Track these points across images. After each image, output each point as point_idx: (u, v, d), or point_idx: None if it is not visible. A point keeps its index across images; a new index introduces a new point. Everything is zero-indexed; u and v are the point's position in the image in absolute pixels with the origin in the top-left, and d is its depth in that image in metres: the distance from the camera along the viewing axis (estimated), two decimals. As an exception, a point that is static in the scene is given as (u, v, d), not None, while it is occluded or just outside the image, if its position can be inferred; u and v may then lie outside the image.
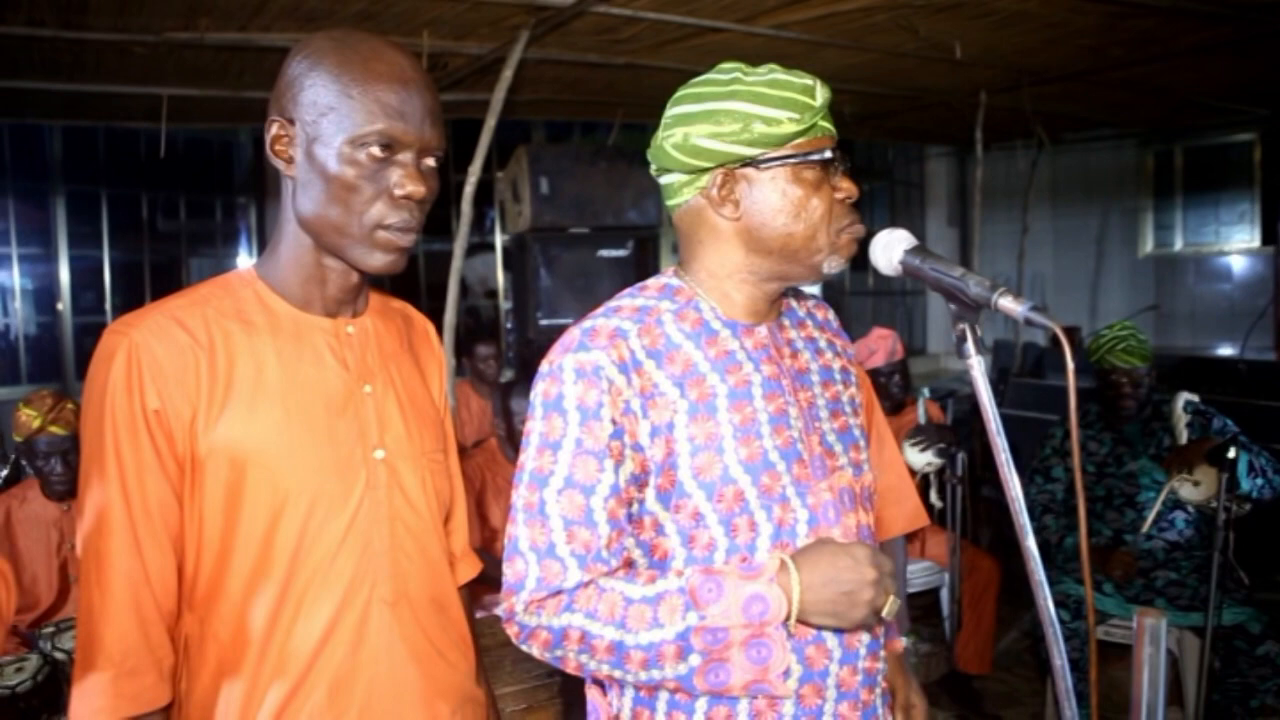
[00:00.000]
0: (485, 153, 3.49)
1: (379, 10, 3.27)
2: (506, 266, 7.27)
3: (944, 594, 3.38)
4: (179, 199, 7.28)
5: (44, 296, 6.95)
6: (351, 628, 1.03)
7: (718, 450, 1.02)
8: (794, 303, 1.21)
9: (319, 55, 1.00)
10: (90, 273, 6.89)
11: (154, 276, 6.95)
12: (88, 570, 0.97)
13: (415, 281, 7.42)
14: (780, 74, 1.04)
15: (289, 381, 1.03)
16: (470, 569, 1.28)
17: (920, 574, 3.28)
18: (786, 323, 1.16)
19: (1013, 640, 3.69)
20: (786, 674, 1.00)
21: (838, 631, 1.05)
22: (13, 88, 4.00)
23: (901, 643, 1.87)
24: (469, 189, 3.44)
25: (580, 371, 1.02)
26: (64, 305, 6.79)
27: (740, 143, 1.02)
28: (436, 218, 7.27)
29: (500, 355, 4.11)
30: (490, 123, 3.50)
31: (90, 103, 4.44)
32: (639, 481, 1.03)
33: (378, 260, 1.03)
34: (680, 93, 1.08)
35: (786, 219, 1.04)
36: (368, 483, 1.05)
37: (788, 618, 0.96)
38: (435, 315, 3.68)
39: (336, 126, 0.98)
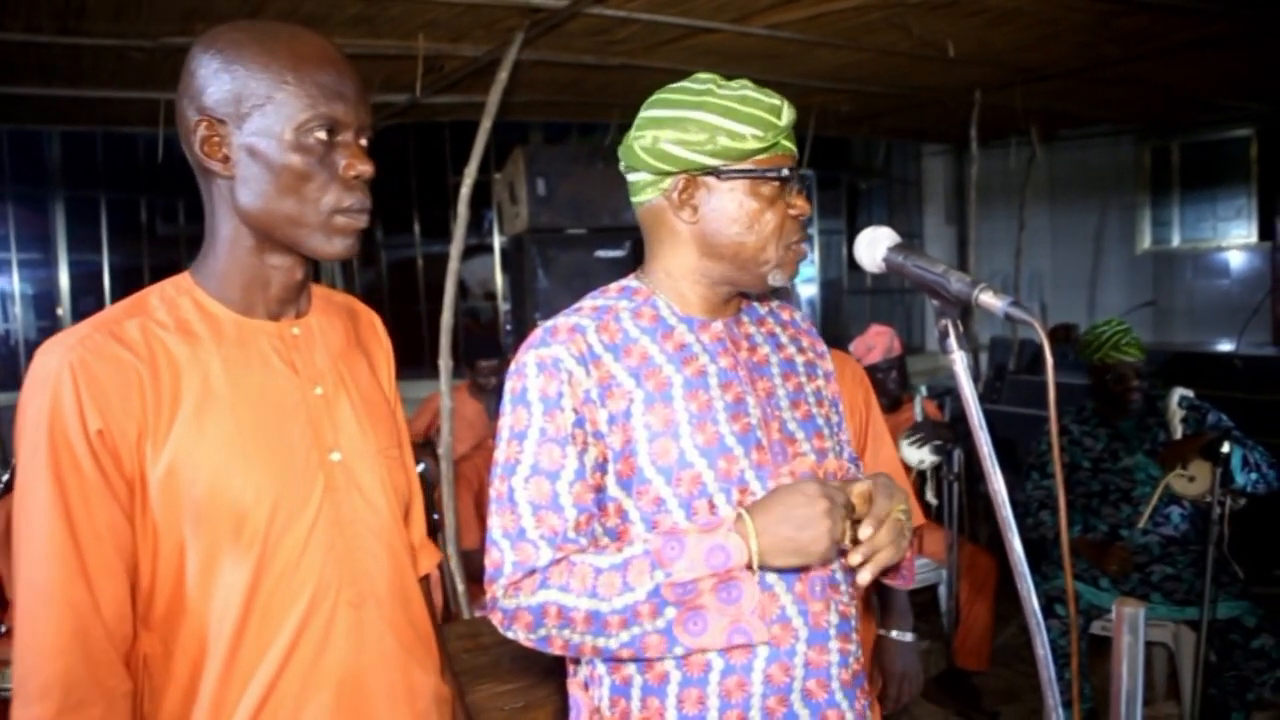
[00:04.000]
0: (482, 154, 3.50)
1: (374, 14, 3.29)
2: (504, 268, 7.29)
3: (942, 590, 3.40)
4: (178, 203, 7.30)
5: (44, 301, 6.98)
6: (318, 634, 1.01)
7: (674, 436, 1.07)
8: (754, 302, 1.26)
9: (237, 47, 0.97)
10: (90, 277, 6.92)
11: (154, 280, 6.86)
12: (28, 603, 0.91)
13: (414, 283, 7.44)
14: (751, 91, 1.09)
15: (237, 391, 0.99)
16: (430, 559, 1.26)
17: (918, 571, 3.28)
18: (745, 319, 1.22)
19: (1011, 636, 3.69)
20: (762, 615, 1.03)
21: (803, 611, 1.08)
22: (11, 93, 4.02)
23: (910, 636, 1.91)
24: (465, 190, 3.45)
25: (541, 365, 1.08)
26: (64, 310, 6.81)
27: (704, 152, 1.08)
28: (434, 219, 7.30)
29: (502, 368, 4.12)
30: (486, 124, 3.51)
31: (88, 108, 4.46)
32: (603, 469, 1.09)
33: (337, 246, 1.01)
34: (655, 96, 1.13)
35: (740, 229, 1.10)
36: (326, 486, 1.03)
37: (750, 564, 1.00)
38: (434, 317, 3.70)
39: (278, 115, 0.96)
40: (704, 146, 1.07)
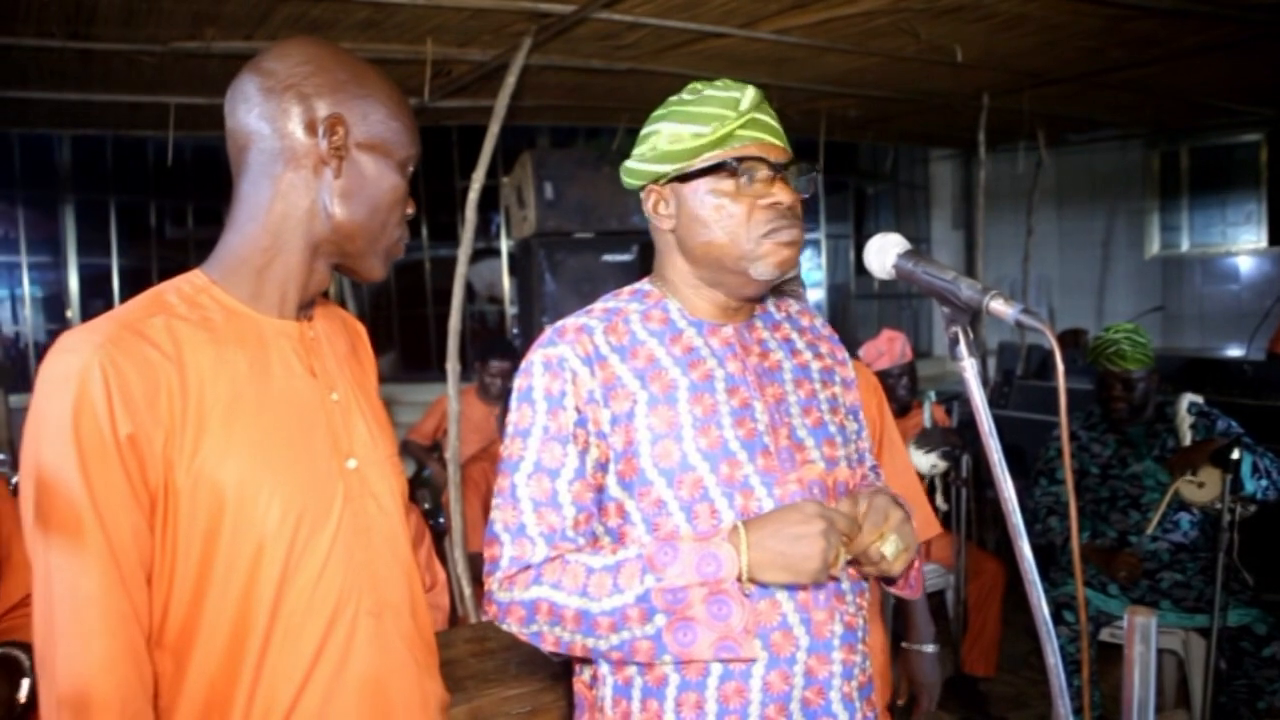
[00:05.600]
0: (490, 158, 3.50)
1: (382, 19, 3.30)
2: (512, 271, 7.29)
3: (949, 596, 3.39)
4: (187, 206, 7.34)
5: (54, 304, 7.01)
6: (341, 644, 1.00)
7: (676, 438, 1.08)
8: (771, 306, 1.26)
9: (358, 67, 1.02)
10: (99, 280, 6.95)
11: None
12: (72, 615, 0.87)
13: (422, 287, 7.46)
14: (713, 90, 1.09)
15: (262, 396, 0.97)
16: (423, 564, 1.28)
17: (926, 576, 3.27)
18: (759, 324, 1.21)
19: (1019, 642, 3.68)
20: (751, 634, 1.03)
21: (805, 620, 1.08)
22: (21, 97, 4.05)
23: (930, 648, 1.92)
24: (473, 195, 3.45)
25: (547, 364, 1.10)
26: (73, 313, 6.84)
27: (650, 160, 1.10)
28: (442, 224, 7.31)
29: (512, 371, 4.11)
30: (494, 129, 3.51)
31: (98, 112, 4.48)
32: (604, 469, 1.09)
33: (384, 272, 1.09)
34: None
35: (703, 228, 1.10)
36: (345, 495, 1.02)
37: (741, 576, 1.00)
38: (441, 321, 3.71)
39: (397, 143, 1.03)
40: (648, 155, 1.10)
